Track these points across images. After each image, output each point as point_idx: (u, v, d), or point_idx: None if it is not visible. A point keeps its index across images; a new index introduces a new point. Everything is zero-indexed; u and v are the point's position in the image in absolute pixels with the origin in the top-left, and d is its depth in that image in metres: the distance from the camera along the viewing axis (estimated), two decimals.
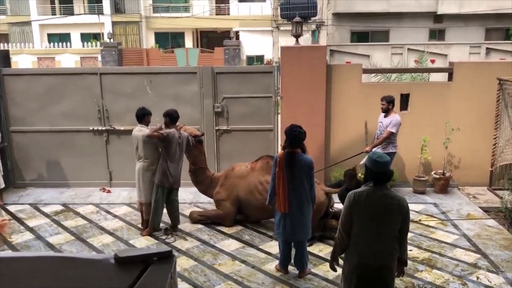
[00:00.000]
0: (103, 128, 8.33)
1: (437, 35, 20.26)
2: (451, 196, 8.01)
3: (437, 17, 19.84)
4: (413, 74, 11.31)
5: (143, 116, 6.35)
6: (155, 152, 6.32)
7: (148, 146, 6.23)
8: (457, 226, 6.81)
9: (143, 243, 6.29)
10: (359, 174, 6.42)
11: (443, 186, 8.11)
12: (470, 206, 7.58)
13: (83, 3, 33.81)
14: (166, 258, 2.19)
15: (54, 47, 30.86)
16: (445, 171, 8.18)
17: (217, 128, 8.33)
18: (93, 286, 1.96)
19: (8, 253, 5.57)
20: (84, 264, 2.16)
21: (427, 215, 7.23)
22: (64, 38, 32.56)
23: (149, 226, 6.51)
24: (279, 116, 8.21)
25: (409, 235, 6.32)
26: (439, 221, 7.00)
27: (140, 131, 6.24)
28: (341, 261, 4.08)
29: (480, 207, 7.51)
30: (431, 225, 6.85)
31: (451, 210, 7.41)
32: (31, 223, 7.00)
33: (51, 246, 6.22)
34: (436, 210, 7.41)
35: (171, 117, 6.26)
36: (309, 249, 5.76)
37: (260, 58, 29.51)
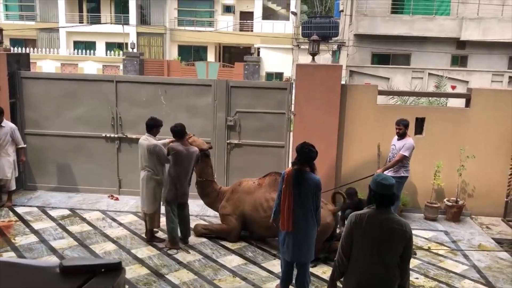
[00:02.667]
0: (116, 136, 8.37)
1: (459, 61, 20.03)
2: (463, 225, 7.80)
3: (460, 43, 19.63)
4: (430, 98, 11.16)
5: (153, 127, 6.35)
6: (158, 164, 6.29)
7: (152, 157, 6.21)
8: (467, 256, 6.60)
9: (145, 253, 6.23)
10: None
11: (456, 214, 7.91)
12: (482, 236, 7.36)
13: (110, 13, 34.53)
14: (114, 270, 2.11)
15: (78, 54, 31.48)
16: (458, 199, 7.98)
17: (228, 141, 8.30)
18: None
19: None
20: (27, 271, 2.08)
21: (437, 243, 7.03)
22: (89, 46, 33.25)
23: (169, 241, 6.42)
24: (291, 133, 8.15)
25: (417, 262, 6.23)
26: (449, 250, 6.80)
27: (146, 140, 6.23)
28: (340, 285, 3.96)
29: (493, 238, 7.29)
30: (441, 253, 6.66)
31: (462, 239, 7.20)
32: (36, 225, 7.02)
33: (53, 250, 6.21)
34: (446, 239, 7.21)
35: (174, 133, 6.24)
36: (312, 270, 5.63)
37: (279, 75, 29.62)
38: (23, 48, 29.91)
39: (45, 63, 30.16)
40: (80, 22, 34.05)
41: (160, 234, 6.74)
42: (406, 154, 7.08)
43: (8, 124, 7.66)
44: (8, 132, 7.57)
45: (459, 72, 18.26)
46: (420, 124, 8.09)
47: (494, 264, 6.39)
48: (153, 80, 8.94)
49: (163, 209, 6.43)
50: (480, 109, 8.01)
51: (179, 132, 6.23)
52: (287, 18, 33.57)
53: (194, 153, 6.33)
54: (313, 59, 8.14)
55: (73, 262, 2.13)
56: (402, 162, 7.13)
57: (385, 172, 6.88)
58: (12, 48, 11.26)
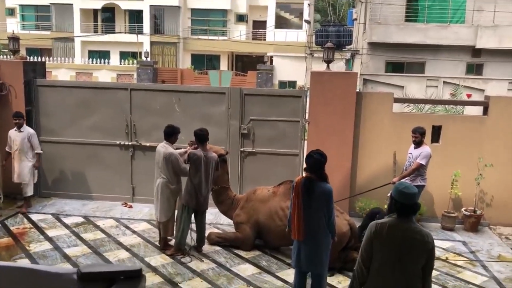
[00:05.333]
0: (130, 143, 8.38)
1: (475, 69, 19.80)
2: (481, 235, 7.63)
3: (476, 51, 19.41)
4: (446, 106, 11.01)
5: (171, 135, 6.31)
6: (173, 173, 6.25)
7: (168, 165, 6.17)
8: (486, 267, 6.44)
9: (159, 261, 6.19)
10: (384, 206, 6.19)
11: (474, 224, 7.75)
12: (502, 247, 7.19)
13: (125, 22, 34.91)
14: (134, 277, 2.03)
15: (93, 63, 31.84)
16: (476, 209, 7.82)
17: (242, 149, 8.26)
18: None
19: None
20: (44, 277, 2.03)
21: (455, 253, 6.89)
22: (104, 55, 33.63)
23: (174, 246, 6.43)
24: (306, 141, 8.07)
25: (435, 273, 6.08)
26: (467, 260, 6.65)
27: (164, 147, 6.21)
28: None
29: None
30: (459, 264, 6.51)
31: (481, 250, 7.05)
32: (51, 233, 7.02)
33: (67, 257, 6.19)
34: (464, 249, 7.06)
35: (198, 137, 6.22)
36: (327, 280, 5.53)
37: (292, 84, 29.59)
38: (39, 57, 30.29)
39: (60, 72, 30.52)
40: (94, 32, 34.51)
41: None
42: (423, 162, 6.98)
43: (26, 129, 7.76)
44: (26, 136, 7.66)
45: (474, 80, 18.03)
46: (436, 132, 7.96)
47: None
48: (167, 88, 8.97)
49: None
50: (498, 117, 7.87)
51: (203, 136, 6.21)
52: (300, 27, 33.62)
53: (214, 159, 6.30)
54: (328, 66, 8.09)
55: (92, 268, 2.07)
56: (419, 170, 7.03)
57: (402, 181, 6.76)
58: (28, 57, 11.42)
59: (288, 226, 5.09)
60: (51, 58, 32.43)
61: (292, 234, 4.94)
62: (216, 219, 7.64)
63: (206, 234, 6.76)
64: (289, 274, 5.90)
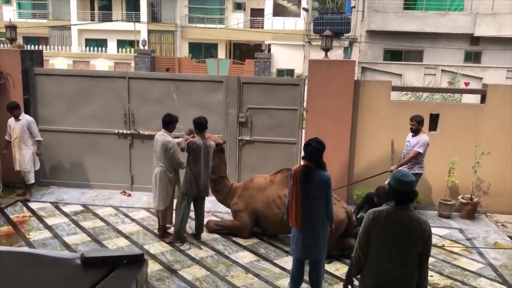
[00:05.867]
0: (128, 132, 8.39)
1: (473, 57, 19.79)
2: (478, 223, 7.69)
3: (474, 39, 19.38)
4: (444, 94, 11.03)
5: (169, 123, 6.33)
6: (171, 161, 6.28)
7: (166, 154, 6.19)
8: (482, 254, 6.51)
9: (158, 249, 6.24)
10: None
11: (470, 211, 7.80)
12: (498, 234, 7.26)
13: (122, 11, 34.66)
14: (136, 262, 2.08)
15: (90, 51, 31.68)
16: (473, 196, 7.87)
17: (240, 138, 8.27)
18: (53, 287, 1.86)
19: None
20: (48, 263, 2.07)
21: (452, 240, 6.95)
22: (101, 43, 33.41)
23: (174, 234, 6.47)
24: (304, 130, 8.09)
25: (431, 260, 6.14)
26: (464, 247, 6.71)
27: (162, 136, 6.22)
28: (356, 282, 3.91)
29: (509, 236, 7.18)
30: (455, 251, 6.57)
31: (477, 237, 7.11)
32: (50, 221, 7.06)
33: (67, 245, 6.24)
34: (461, 236, 7.12)
35: (197, 125, 6.23)
36: (325, 267, 5.58)
37: (290, 72, 29.51)
38: (36, 46, 30.13)
39: (57, 61, 30.35)
40: (91, 20, 34.25)
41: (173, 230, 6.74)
42: (421, 150, 7.00)
43: (25, 117, 7.79)
44: (25, 124, 7.67)
45: (472, 68, 18.03)
46: (434, 120, 7.98)
47: (511, 262, 6.29)
48: (165, 76, 8.95)
49: (174, 205, 6.44)
50: (495, 105, 7.89)
51: (202, 124, 6.23)
52: (298, 15, 33.43)
53: (212, 147, 6.33)
54: (326, 54, 8.08)
55: (95, 253, 2.11)
56: (417, 159, 7.06)
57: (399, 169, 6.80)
58: (25, 46, 11.36)
59: (287, 214, 5.12)
60: (48, 46, 32.22)
61: (290, 222, 4.98)
62: (214, 207, 7.67)
63: (205, 222, 6.80)
64: (287, 262, 5.95)
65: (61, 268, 2.03)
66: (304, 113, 8.07)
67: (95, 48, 31.79)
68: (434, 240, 6.79)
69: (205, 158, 6.24)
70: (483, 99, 8.08)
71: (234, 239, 6.64)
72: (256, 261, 6.03)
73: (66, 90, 8.42)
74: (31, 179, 7.93)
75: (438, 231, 7.18)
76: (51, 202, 7.88)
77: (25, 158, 7.76)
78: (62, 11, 34.79)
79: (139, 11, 33.50)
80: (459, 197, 7.95)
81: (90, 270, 1.96)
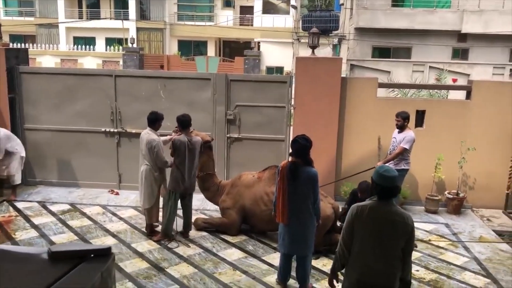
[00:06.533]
0: (115, 130, 8.35)
1: (460, 54, 19.96)
2: (464, 218, 7.78)
3: (461, 36, 19.55)
4: (430, 91, 11.11)
5: (155, 121, 6.30)
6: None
7: (151, 152, 6.17)
8: (468, 248, 6.59)
9: (145, 247, 6.23)
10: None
11: (456, 206, 7.89)
12: (483, 228, 7.35)
13: (110, 8, 34.43)
14: (103, 255, 2.10)
15: (78, 49, 31.44)
16: (459, 191, 7.96)
17: (228, 135, 8.28)
18: (18, 281, 1.87)
19: None
20: (15, 258, 2.08)
21: (438, 235, 7.02)
22: (89, 41, 33.18)
23: (161, 232, 6.46)
24: (292, 127, 8.12)
25: (417, 254, 6.22)
26: (449, 242, 6.79)
27: (147, 134, 6.20)
28: (341, 277, 3.94)
29: (494, 230, 7.27)
30: (441, 245, 6.65)
31: (463, 231, 7.19)
32: (37, 220, 7.01)
33: (53, 244, 6.20)
34: (447, 231, 7.19)
35: (181, 123, 6.23)
36: (312, 263, 5.61)
37: (280, 70, 29.54)
38: (23, 44, 29.83)
39: (44, 59, 30.11)
40: (79, 18, 33.99)
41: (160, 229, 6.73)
42: (407, 146, 7.06)
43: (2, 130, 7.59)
44: None
45: (460, 65, 18.20)
46: (420, 116, 8.05)
47: (495, 256, 6.38)
48: (152, 74, 8.90)
49: (161, 203, 6.44)
50: (480, 102, 7.98)
51: (185, 122, 6.21)
52: (287, 12, 33.45)
53: (198, 143, 6.33)
54: (313, 52, 8.10)
55: (62, 248, 2.12)
56: (403, 154, 7.11)
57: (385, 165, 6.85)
58: (11, 44, 11.26)
59: (274, 210, 5.15)
60: (35, 44, 31.93)
61: (277, 217, 5.01)
62: (202, 205, 7.68)
63: (193, 220, 6.80)
64: (275, 258, 5.98)
65: (28, 263, 2.04)
66: (292, 110, 8.09)
67: (83, 46, 31.58)
68: (421, 235, 6.88)
69: (190, 155, 6.24)
70: (468, 95, 8.16)
71: (222, 236, 6.65)
72: (244, 258, 6.05)
73: (52, 88, 8.36)
74: (17, 180, 7.86)
75: (425, 226, 7.25)
76: (38, 202, 7.83)
77: (12, 164, 7.68)
78: (50, 9, 34.47)
79: (128, 8, 33.31)
80: (446, 192, 8.03)
81: (57, 264, 1.97)
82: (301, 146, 4.89)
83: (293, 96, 8.08)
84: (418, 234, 6.82)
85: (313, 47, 8.05)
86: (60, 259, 2.00)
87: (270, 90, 8.14)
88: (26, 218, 7.09)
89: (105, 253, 2.13)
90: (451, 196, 7.92)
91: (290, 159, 5.14)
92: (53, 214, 7.32)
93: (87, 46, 31.61)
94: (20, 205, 7.64)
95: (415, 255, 6.15)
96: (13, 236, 6.43)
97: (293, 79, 8.10)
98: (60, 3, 33.46)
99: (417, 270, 5.82)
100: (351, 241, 3.67)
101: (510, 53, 19.59)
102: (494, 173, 8.03)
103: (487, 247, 6.66)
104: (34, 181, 8.61)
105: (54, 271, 1.92)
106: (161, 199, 6.45)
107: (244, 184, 6.62)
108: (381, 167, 3.72)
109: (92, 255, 2.08)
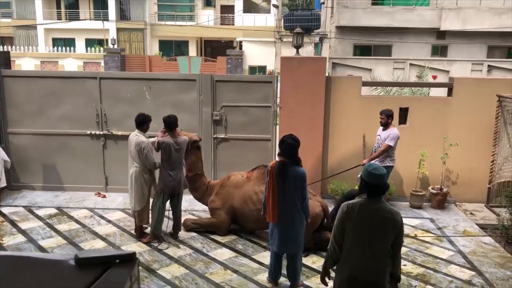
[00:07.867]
0: (101, 133, 8.31)
1: (439, 51, 20.30)
2: (448, 212, 7.95)
3: (440, 33, 19.88)
4: (413, 88, 11.30)
5: (143, 123, 6.29)
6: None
7: (140, 154, 6.17)
8: (453, 242, 6.74)
9: (135, 249, 6.21)
10: (355, 187, 6.38)
11: (440, 201, 8.06)
12: (466, 222, 7.52)
13: (89, 9, 34.05)
14: (129, 260, 2.14)
15: (58, 51, 31.01)
16: (442, 187, 8.13)
17: (215, 136, 8.30)
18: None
19: None
20: (43, 265, 2.10)
21: (423, 230, 7.17)
22: (68, 43, 32.74)
23: (150, 234, 6.47)
24: (278, 126, 8.18)
25: (404, 249, 6.32)
26: (435, 236, 6.94)
27: (136, 136, 6.20)
28: (333, 274, 4.02)
29: (477, 224, 7.45)
30: (427, 240, 6.79)
31: (447, 226, 7.35)
32: (23, 225, 6.94)
33: (42, 249, 6.15)
34: (432, 226, 7.35)
35: (167, 123, 6.24)
36: (302, 260, 5.69)
37: (262, 69, 29.59)
38: (0, 46, 29.30)
39: (24, 61, 29.60)
40: (58, 19, 33.51)
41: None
42: (391, 144, 7.19)
43: None
44: None
45: (439, 62, 18.48)
46: (404, 114, 8.20)
47: (479, 248, 6.54)
48: (137, 76, 8.88)
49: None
50: (462, 98, 8.15)
51: (172, 123, 6.22)
52: (269, 11, 33.53)
53: (184, 143, 6.35)
54: (297, 51, 8.19)
55: (88, 254, 2.14)
56: (388, 152, 7.25)
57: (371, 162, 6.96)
58: None
59: (264, 210, 5.21)
60: (13, 47, 31.37)
61: (267, 217, 5.07)
62: (191, 206, 7.69)
63: (182, 221, 6.82)
64: (265, 256, 6.04)
65: (55, 269, 2.05)
66: (278, 109, 8.16)
67: (63, 48, 31.15)
68: (407, 230, 7.01)
69: (177, 155, 6.26)
70: (450, 92, 8.34)
71: (212, 236, 6.69)
72: (234, 257, 6.10)
73: (36, 91, 8.27)
74: (2, 183, 7.77)
75: (410, 222, 7.40)
76: (23, 206, 7.75)
77: None
78: (27, 10, 33.90)
79: (107, 9, 32.95)
80: (430, 187, 8.19)
81: (84, 271, 2.00)
82: (289, 145, 4.96)
83: (278, 96, 8.15)
84: (404, 229, 6.95)
85: (297, 47, 8.13)
86: (87, 265, 2.02)
87: (256, 90, 8.19)
88: (13, 223, 7.02)
89: (130, 258, 2.16)
90: (435, 191, 8.08)
91: (278, 158, 5.20)
92: (40, 218, 7.26)
93: (67, 48, 31.20)
94: (5, 210, 7.55)
95: (402, 250, 6.23)
96: (0, 241, 6.36)
97: (278, 79, 8.16)
98: (38, 4, 32.94)
99: (404, 265, 5.93)
100: (342, 239, 3.75)
101: (488, 50, 20.00)
102: (476, 168, 8.22)
103: (471, 240, 6.82)
104: (18, 186, 8.52)
105: (83, 277, 1.95)
106: (151, 201, 6.45)
107: (233, 184, 6.66)
108: (369, 165, 3.80)
109: (117, 261, 2.10)
